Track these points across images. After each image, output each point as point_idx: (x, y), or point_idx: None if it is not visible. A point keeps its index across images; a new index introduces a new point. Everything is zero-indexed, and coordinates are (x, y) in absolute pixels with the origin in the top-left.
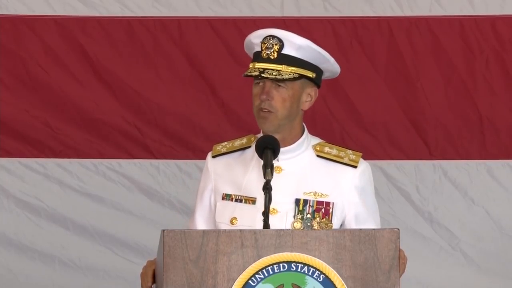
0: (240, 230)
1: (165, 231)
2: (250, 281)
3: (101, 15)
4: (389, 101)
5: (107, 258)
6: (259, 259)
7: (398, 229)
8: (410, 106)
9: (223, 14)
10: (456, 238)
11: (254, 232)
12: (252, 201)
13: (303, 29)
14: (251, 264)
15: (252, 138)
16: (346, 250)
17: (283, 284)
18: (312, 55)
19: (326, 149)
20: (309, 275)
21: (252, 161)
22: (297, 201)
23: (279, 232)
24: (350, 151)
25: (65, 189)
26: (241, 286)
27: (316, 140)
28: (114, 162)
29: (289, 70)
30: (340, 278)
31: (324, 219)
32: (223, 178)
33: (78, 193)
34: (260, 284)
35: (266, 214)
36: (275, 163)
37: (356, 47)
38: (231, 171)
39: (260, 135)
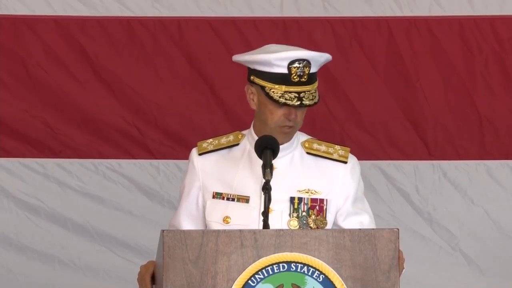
0: (240, 230)
1: (164, 231)
2: (250, 281)
3: (101, 15)
4: (388, 101)
5: (106, 258)
6: (258, 259)
7: (398, 229)
8: (410, 106)
9: (223, 14)
10: (456, 238)
11: (253, 232)
12: (245, 199)
13: (302, 29)
14: (250, 264)
15: (239, 136)
16: (345, 250)
17: (282, 284)
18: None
19: (315, 145)
20: (308, 275)
21: (242, 159)
22: (292, 199)
23: (279, 232)
24: (338, 146)
25: (65, 189)
26: (241, 286)
27: (303, 137)
28: (114, 162)
29: (315, 88)
30: (340, 278)
31: (319, 216)
32: (211, 176)
33: (78, 193)
34: (260, 284)
35: (265, 214)
36: None
37: (356, 47)
38: (220, 169)
39: (246, 131)
